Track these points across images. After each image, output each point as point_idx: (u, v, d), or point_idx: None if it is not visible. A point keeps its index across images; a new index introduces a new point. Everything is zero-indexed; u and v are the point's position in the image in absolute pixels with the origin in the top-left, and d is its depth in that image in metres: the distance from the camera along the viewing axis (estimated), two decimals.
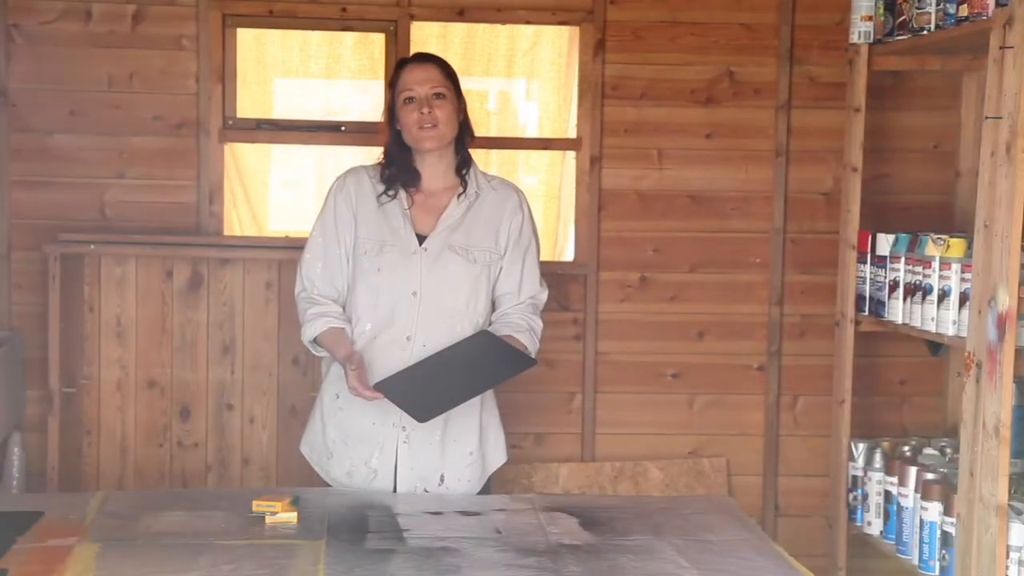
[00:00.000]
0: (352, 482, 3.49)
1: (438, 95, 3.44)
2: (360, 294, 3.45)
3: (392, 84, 3.52)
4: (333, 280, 3.49)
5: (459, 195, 3.50)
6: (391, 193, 3.48)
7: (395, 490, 3.46)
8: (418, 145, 3.46)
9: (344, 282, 3.49)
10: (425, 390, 3.29)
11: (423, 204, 3.50)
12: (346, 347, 3.40)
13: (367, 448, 3.48)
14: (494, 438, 3.58)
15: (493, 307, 3.53)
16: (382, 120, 3.59)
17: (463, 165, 3.53)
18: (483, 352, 3.38)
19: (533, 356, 3.46)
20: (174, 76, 4.66)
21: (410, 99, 3.44)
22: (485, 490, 3.57)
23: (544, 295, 3.59)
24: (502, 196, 3.55)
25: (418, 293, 3.42)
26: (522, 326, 3.48)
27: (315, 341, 3.46)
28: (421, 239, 3.45)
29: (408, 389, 3.28)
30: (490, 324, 3.50)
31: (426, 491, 3.46)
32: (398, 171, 3.49)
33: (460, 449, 3.50)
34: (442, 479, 3.48)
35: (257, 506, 3.15)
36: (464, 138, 3.53)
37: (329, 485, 3.53)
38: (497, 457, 3.60)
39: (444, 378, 3.32)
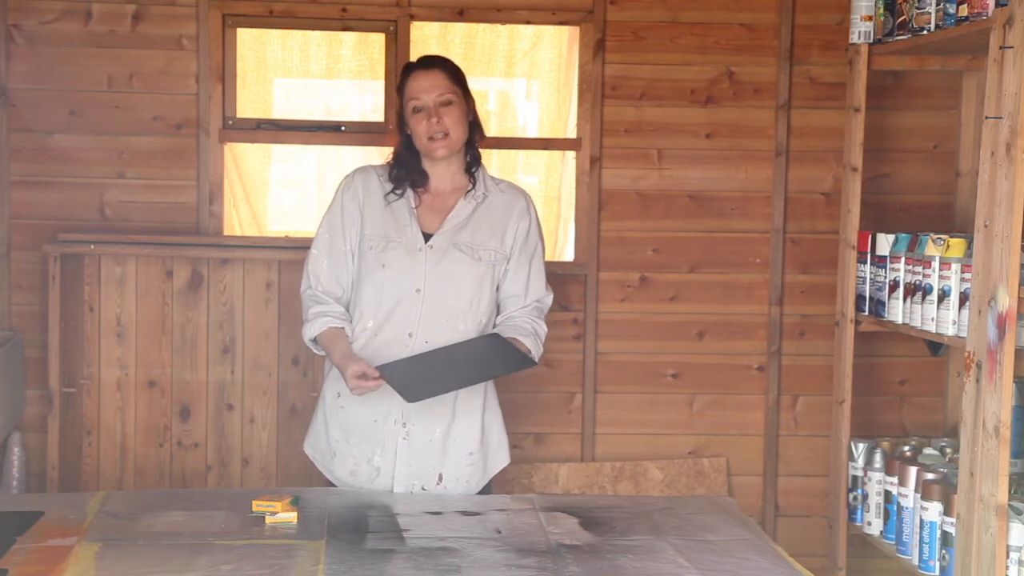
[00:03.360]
0: (356, 481, 3.49)
1: (445, 102, 3.44)
2: (364, 290, 3.46)
3: (399, 90, 3.53)
4: (339, 277, 3.49)
5: (467, 192, 3.50)
6: (399, 192, 3.49)
7: (392, 488, 3.46)
8: (429, 155, 3.47)
9: (349, 279, 3.49)
10: (422, 375, 3.31)
11: (430, 204, 3.51)
12: (342, 348, 3.41)
13: (369, 447, 3.48)
14: (496, 441, 3.58)
15: (498, 309, 3.54)
16: (392, 125, 3.59)
17: (473, 163, 3.54)
18: (488, 349, 3.40)
19: (536, 360, 3.47)
20: (174, 76, 4.66)
21: (418, 108, 3.44)
22: (486, 492, 3.57)
23: (549, 299, 3.60)
24: (510, 199, 3.56)
25: (422, 290, 3.43)
26: (527, 329, 3.49)
27: (315, 341, 3.48)
28: (427, 237, 3.46)
29: (407, 373, 3.31)
30: (494, 326, 3.51)
31: (424, 489, 3.47)
32: (406, 172, 3.50)
33: (460, 449, 3.50)
34: (440, 478, 3.48)
35: (257, 506, 3.15)
36: (474, 137, 3.53)
37: (333, 484, 3.53)
38: (499, 460, 3.60)
39: (443, 368, 3.34)
